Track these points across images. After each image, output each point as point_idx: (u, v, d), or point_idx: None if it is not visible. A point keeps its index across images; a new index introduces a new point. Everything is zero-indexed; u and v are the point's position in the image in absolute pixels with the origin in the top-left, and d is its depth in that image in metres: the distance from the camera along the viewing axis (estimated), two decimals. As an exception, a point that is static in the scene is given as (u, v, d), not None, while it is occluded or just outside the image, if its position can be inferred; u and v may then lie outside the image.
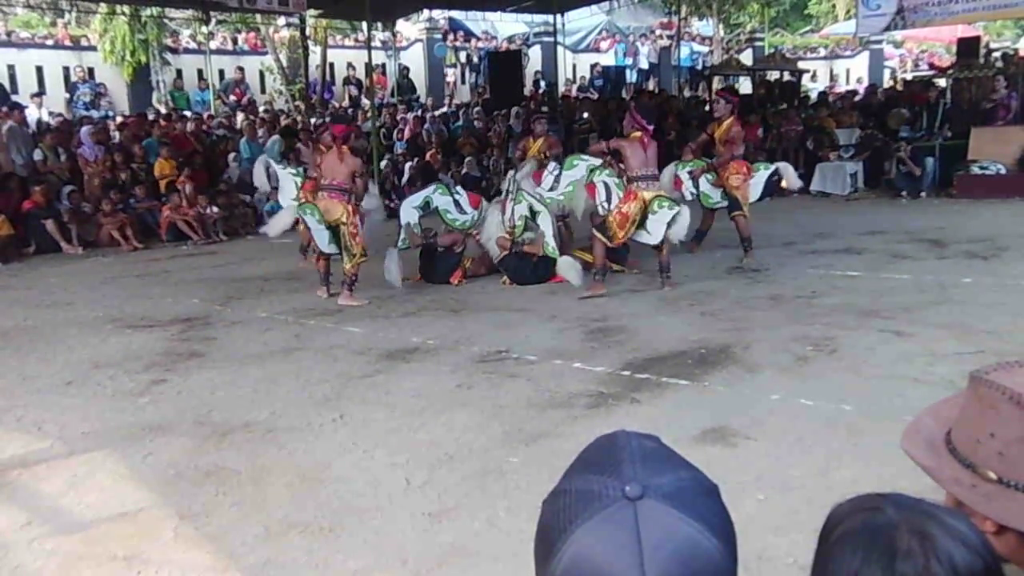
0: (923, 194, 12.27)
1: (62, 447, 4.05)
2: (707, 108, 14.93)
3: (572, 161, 7.90)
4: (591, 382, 4.67)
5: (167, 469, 3.71)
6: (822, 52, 27.66)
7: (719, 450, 3.64)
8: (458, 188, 8.43)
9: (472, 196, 8.36)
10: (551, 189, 7.89)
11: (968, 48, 16.03)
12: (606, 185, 7.23)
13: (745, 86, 19.68)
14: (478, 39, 23.89)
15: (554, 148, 8.34)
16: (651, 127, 7.19)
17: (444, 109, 19.19)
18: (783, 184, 8.94)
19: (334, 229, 7.06)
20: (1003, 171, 11.94)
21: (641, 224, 6.92)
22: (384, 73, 21.69)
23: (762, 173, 8.27)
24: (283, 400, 4.60)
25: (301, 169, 8.60)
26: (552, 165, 8.00)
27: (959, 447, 1.03)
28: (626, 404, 4.31)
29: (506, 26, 24.10)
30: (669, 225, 6.75)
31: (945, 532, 0.79)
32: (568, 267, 7.22)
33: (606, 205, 7.15)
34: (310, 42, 19.07)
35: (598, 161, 7.44)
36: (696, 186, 8.29)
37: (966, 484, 1.00)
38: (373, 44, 18.50)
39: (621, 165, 7.11)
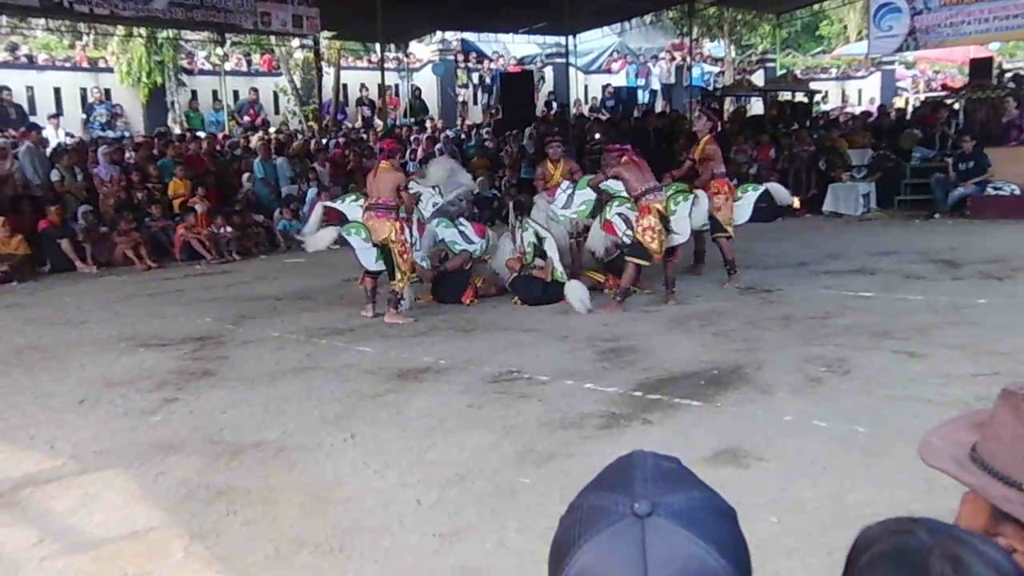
0: (936, 215, 12.23)
1: (74, 465, 4.06)
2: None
3: (585, 182, 7.93)
4: (603, 402, 4.65)
5: (178, 488, 3.72)
6: (834, 73, 27.70)
7: (731, 472, 3.61)
8: (461, 220, 8.37)
9: (476, 225, 8.39)
10: (564, 207, 7.93)
11: (981, 69, 16.03)
12: (622, 216, 7.38)
13: (757, 107, 19.72)
14: (491, 60, 24.06)
15: (576, 173, 8.28)
16: (628, 145, 7.46)
17: (456, 129, 19.30)
18: (779, 203, 9.08)
19: (383, 248, 7.04)
20: (1017, 192, 11.89)
21: (666, 230, 7.13)
22: (397, 94, 21.86)
23: (750, 195, 8.23)
24: (294, 419, 4.60)
25: (361, 193, 8.24)
26: (565, 184, 8.02)
27: (997, 466, 1.01)
28: (638, 425, 4.29)
29: (518, 47, 24.29)
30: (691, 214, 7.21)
31: (979, 558, 0.78)
32: (575, 291, 7.19)
33: (630, 233, 7.25)
34: (324, 63, 19.26)
35: (615, 187, 7.46)
36: None
37: (1016, 502, 0.98)
38: (386, 65, 18.70)
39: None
